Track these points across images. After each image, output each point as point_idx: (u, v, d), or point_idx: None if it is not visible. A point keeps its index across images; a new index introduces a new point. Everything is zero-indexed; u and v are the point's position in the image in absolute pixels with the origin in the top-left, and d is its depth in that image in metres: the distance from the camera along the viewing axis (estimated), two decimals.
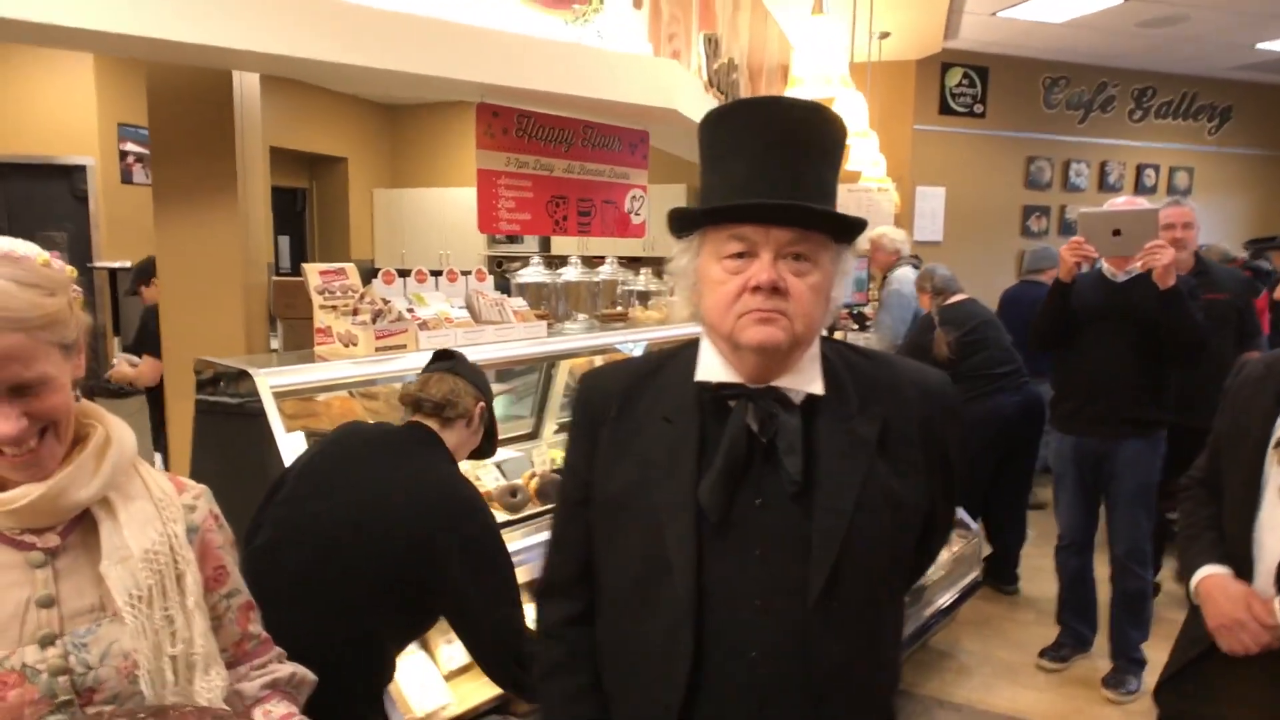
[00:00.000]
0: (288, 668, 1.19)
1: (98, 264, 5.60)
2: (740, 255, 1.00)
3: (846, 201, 7.44)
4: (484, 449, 2.02)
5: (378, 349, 2.28)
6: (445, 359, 2.00)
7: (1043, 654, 3.39)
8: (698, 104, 3.56)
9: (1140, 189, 7.62)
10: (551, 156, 3.19)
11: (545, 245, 7.87)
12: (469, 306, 2.70)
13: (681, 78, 3.35)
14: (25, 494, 0.94)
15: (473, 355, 2.45)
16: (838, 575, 0.99)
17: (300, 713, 1.16)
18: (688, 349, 1.12)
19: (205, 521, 1.10)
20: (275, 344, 2.93)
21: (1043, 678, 3.32)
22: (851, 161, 6.06)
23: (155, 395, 3.79)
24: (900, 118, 7.02)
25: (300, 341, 2.66)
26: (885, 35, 5.97)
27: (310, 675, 1.22)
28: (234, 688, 1.12)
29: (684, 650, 1.01)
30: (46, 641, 0.94)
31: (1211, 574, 1.56)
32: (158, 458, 3.99)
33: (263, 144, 2.87)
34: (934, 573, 3.18)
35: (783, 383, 1.04)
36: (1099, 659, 3.30)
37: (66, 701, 0.93)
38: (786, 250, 0.99)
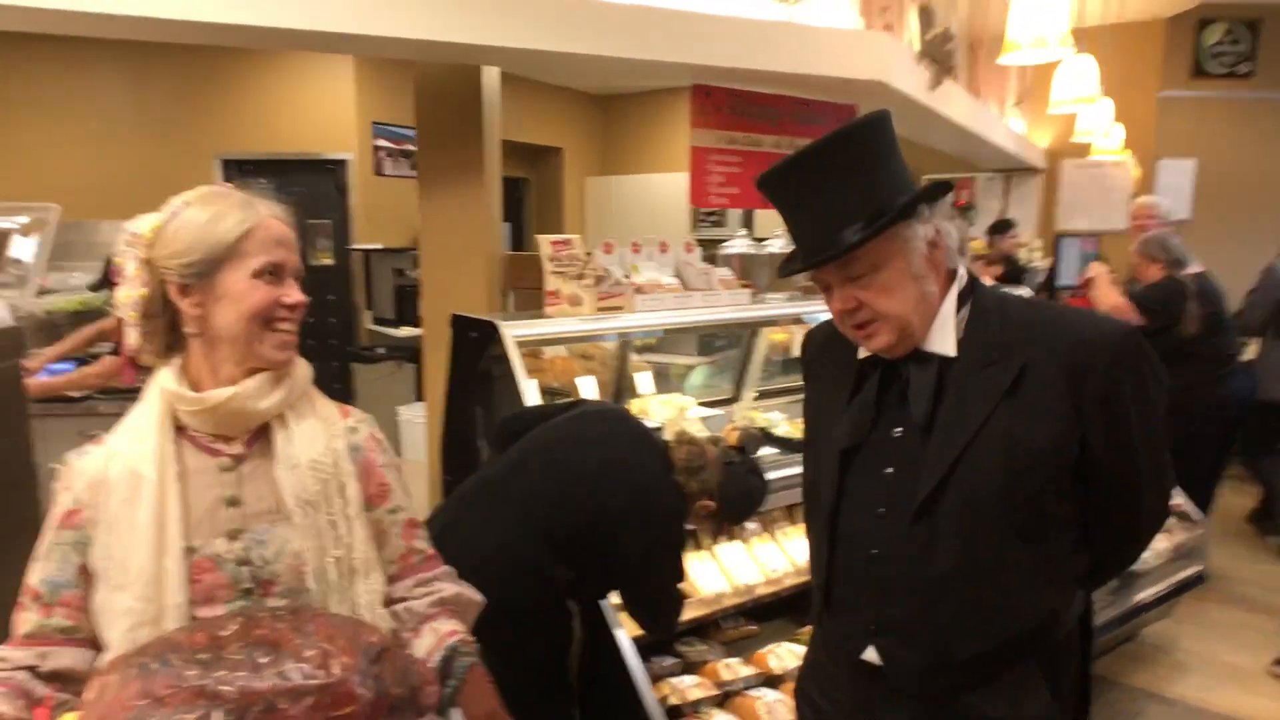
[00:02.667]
0: (452, 587, 1.23)
1: (355, 246, 6.38)
2: (828, 287, 1.21)
3: (1074, 177, 6.84)
4: None
5: (599, 309, 2.55)
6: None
7: (1278, 662, 3.11)
8: (908, 76, 3.56)
9: None
10: (760, 132, 3.33)
11: (748, 227, 7.98)
12: (678, 275, 2.91)
13: (890, 50, 3.36)
14: (218, 395, 1.08)
15: (681, 318, 2.70)
16: (940, 494, 1.15)
17: (467, 632, 1.21)
18: None
19: (367, 442, 1.20)
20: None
21: (1275, 686, 3.04)
22: (1078, 132, 5.65)
23: None
24: (1142, 83, 6.38)
25: (528, 308, 3.01)
26: None
27: (476, 596, 1.26)
28: (405, 605, 1.19)
29: (826, 543, 1.29)
30: (233, 535, 1.09)
31: None
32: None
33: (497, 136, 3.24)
34: (1147, 558, 3.00)
35: (920, 347, 1.21)
36: None
37: (249, 589, 1.08)
38: (845, 277, 1.17)
